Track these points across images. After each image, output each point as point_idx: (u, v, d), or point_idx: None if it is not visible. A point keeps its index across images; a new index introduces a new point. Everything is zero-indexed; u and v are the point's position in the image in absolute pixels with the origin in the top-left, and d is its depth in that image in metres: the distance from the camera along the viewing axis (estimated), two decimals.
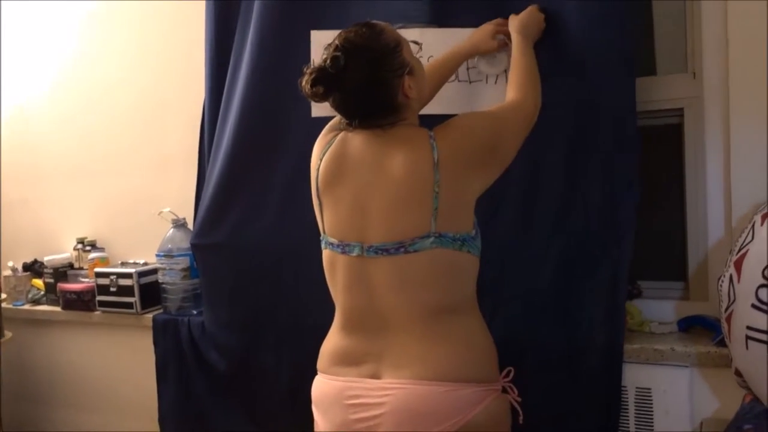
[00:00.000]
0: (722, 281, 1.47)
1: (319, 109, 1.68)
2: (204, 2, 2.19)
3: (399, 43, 1.35)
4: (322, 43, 1.40)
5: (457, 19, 1.79)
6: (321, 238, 1.45)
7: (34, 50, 2.84)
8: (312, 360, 1.49)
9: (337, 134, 1.44)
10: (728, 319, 1.43)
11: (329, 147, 1.43)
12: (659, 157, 1.88)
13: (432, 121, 1.40)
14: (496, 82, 1.77)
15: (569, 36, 1.69)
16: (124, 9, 2.60)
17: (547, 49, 1.67)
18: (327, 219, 1.42)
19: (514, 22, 1.65)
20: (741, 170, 1.65)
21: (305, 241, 1.70)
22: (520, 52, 1.58)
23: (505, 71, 1.72)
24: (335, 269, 1.41)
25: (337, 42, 1.32)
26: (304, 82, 1.31)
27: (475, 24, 1.75)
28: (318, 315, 1.55)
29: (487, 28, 1.71)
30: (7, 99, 2.91)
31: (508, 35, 1.67)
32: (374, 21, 1.37)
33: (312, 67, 1.32)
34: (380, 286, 1.34)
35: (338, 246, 1.39)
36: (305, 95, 1.33)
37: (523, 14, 1.66)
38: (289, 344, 2.03)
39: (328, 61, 1.30)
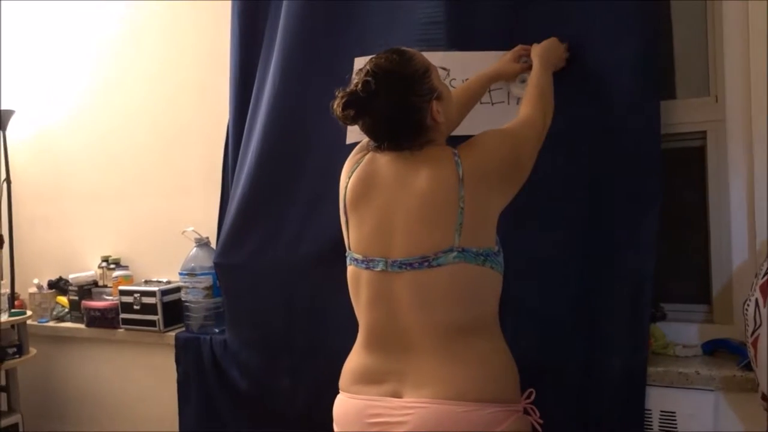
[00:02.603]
0: (748, 305, 1.46)
1: (354, 134, 1.69)
2: (228, 27, 2.24)
3: (428, 69, 1.39)
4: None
5: (475, 45, 1.82)
6: (346, 254, 1.47)
7: (58, 75, 2.91)
8: (327, 383, 1.50)
9: (366, 154, 1.47)
10: (754, 344, 1.42)
11: (357, 166, 1.46)
12: (682, 179, 1.88)
13: (454, 142, 1.43)
14: (518, 103, 1.79)
15: (593, 60, 1.71)
16: (147, 34, 2.66)
17: (572, 73, 1.69)
18: (352, 235, 1.45)
19: (535, 49, 1.70)
20: (764, 193, 1.65)
21: (324, 265, 1.71)
22: (536, 73, 1.63)
23: None
24: (359, 285, 1.43)
25: (368, 67, 1.36)
26: (335, 105, 1.35)
27: (493, 48, 1.78)
28: (334, 339, 1.56)
29: (509, 53, 1.76)
30: (34, 121, 2.97)
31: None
32: (404, 48, 1.41)
33: (344, 90, 1.36)
34: (403, 303, 1.36)
35: (363, 262, 1.41)
36: (336, 117, 1.36)
37: (544, 42, 1.71)
38: (305, 367, 2.04)
39: (359, 86, 1.33)
